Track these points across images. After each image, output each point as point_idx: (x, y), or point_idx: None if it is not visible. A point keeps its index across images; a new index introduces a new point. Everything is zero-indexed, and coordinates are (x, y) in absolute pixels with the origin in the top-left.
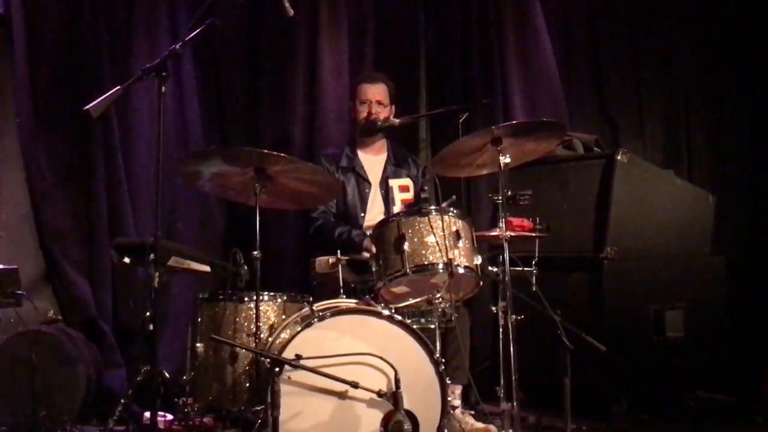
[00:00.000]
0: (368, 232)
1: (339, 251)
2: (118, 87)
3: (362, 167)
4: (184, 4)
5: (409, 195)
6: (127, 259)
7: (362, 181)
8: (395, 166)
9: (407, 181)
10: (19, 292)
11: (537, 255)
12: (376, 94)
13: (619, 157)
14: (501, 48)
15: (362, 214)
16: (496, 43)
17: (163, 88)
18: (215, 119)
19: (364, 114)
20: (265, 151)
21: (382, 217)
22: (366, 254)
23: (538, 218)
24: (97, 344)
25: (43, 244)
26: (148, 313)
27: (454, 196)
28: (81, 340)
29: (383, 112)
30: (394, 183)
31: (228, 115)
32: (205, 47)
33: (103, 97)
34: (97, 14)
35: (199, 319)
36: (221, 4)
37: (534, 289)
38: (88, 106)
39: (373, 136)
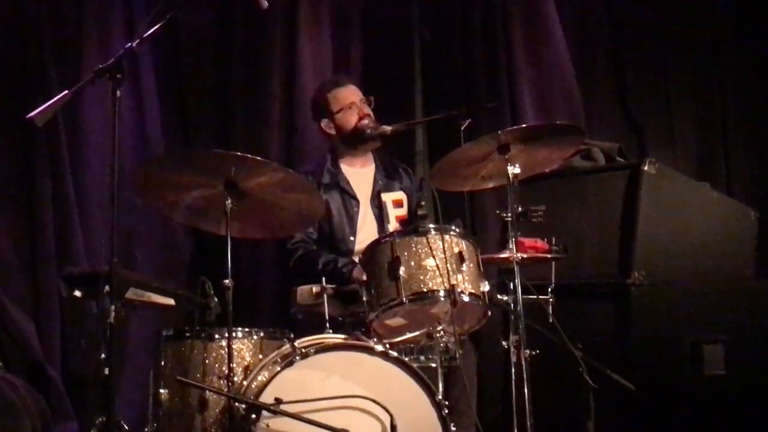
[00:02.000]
0: (357, 259)
1: (324, 279)
2: (66, 91)
3: (347, 182)
4: None
5: (403, 211)
6: (78, 292)
7: (349, 198)
8: (386, 177)
9: (401, 195)
10: None
11: (553, 281)
12: (356, 94)
13: (646, 168)
14: (508, 43)
15: (352, 238)
16: (502, 37)
17: (118, 92)
18: (179, 127)
19: (354, 118)
20: (239, 153)
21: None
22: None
23: (554, 238)
24: (43, 392)
25: None
26: (102, 355)
27: (458, 220)
28: (24, 388)
29: (369, 112)
30: (387, 197)
31: (194, 122)
32: (167, 45)
33: (49, 102)
34: (42, 10)
35: (163, 361)
36: None
37: (551, 320)
38: (31, 114)
39: (370, 142)
